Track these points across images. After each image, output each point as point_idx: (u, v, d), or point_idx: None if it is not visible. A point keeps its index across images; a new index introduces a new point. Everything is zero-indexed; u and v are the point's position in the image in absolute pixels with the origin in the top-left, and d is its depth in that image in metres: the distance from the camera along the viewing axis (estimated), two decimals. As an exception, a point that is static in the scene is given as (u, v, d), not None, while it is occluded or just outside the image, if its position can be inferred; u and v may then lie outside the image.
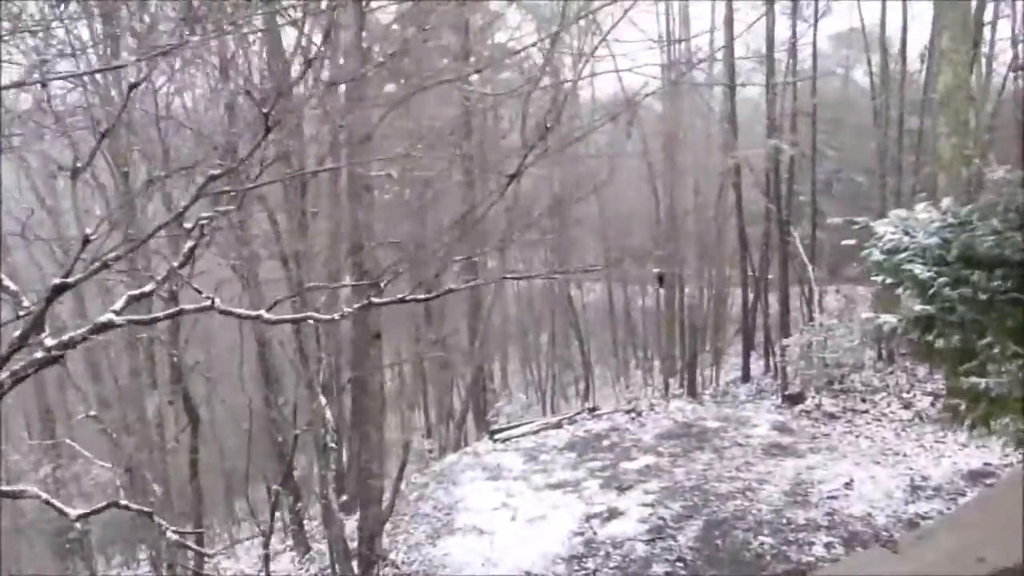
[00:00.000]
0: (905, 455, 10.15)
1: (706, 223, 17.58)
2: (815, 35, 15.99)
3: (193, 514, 12.16)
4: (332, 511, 9.05)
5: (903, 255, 4.80)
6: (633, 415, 12.49)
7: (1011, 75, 14.64)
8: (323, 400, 9.91)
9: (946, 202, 5.69)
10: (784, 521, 8.88)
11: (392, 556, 9.76)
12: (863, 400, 12.08)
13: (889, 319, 4.81)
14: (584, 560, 8.71)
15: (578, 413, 13.19)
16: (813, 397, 12.50)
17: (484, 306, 14.62)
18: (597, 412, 12.95)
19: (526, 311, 26.70)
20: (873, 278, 4.91)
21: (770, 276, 16.45)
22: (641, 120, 19.65)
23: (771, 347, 15.53)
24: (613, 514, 9.55)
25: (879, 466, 9.97)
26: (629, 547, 8.79)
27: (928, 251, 4.82)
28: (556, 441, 12.08)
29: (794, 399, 12.71)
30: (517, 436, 12.29)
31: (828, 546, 8.34)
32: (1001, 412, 4.28)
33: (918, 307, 4.54)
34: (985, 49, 15.81)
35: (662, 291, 16.83)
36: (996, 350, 4.65)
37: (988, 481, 8.95)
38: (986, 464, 9.21)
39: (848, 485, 9.48)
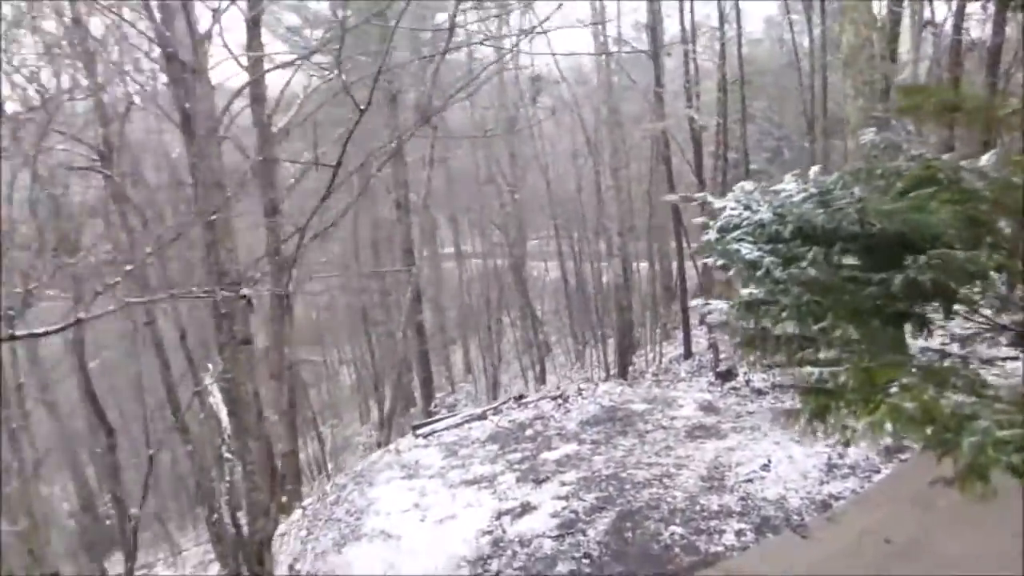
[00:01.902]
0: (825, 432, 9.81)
1: (643, 196, 17.17)
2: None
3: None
4: (224, 525, 8.60)
5: (736, 233, 4.35)
6: (559, 401, 12.07)
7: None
8: (219, 408, 9.42)
9: (813, 171, 5.25)
10: (697, 508, 8.53)
11: (299, 566, 9.37)
12: (791, 374, 11.70)
13: (719, 305, 4.37)
14: (488, 561, 8.30)
15: (504, 402, 12.75)
16: (744, 372, 12.14)
17: (407, 296, 14.10)
18: (523, 400, 12.51)
19: (486, 296, 26.29)
20: (704, 259, 4.47)
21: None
22: (577, 98, 19.19)
23: (712, 322, 15.18)
24: (526, 509, 9.16)
25: (798, 445, 9.64)
26: (536, 544, 8.41)
27: (764, 228, 4.37)
28: (480, 433, 11.64)
29: (725, 376, 12.35)
30: (440, 430, 11.85)
31: (739, 533, 7.99)
32: (836, 405, 3.85)
33: (745, 291, 4.11)
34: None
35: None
36: (835, 334, 4.24)
37: (903, 456, 8.65)
38: (902, 438, 8.89)
39: (765, 467, 9.14)
